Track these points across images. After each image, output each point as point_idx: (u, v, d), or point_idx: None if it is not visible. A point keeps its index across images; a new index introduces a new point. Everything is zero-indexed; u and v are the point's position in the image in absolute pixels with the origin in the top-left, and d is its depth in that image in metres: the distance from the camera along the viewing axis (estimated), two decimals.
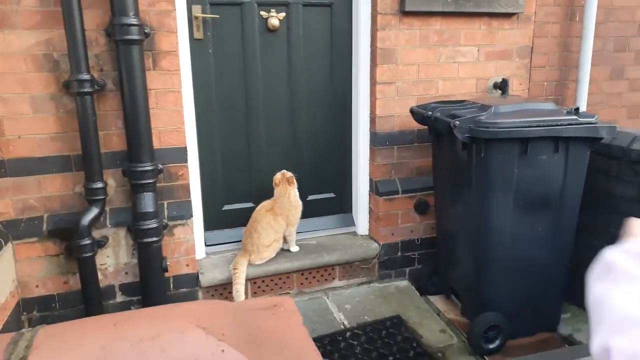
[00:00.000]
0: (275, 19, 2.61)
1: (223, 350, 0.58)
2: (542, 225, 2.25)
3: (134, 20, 2.08)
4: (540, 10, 2.86)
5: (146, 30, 2.15)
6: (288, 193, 2.58)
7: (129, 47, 2.09)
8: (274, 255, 2.60)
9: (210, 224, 2.70)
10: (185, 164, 2.39)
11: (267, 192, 2.66)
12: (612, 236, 2.50)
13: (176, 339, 0.61)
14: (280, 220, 2.56)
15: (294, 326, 0.77)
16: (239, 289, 2.40)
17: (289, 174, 2.61)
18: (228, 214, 2.74)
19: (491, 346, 2.28)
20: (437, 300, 2.69)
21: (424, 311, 2.56)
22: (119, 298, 2.36)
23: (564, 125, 2.12)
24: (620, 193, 2.42)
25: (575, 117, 2.16)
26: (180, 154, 2.37)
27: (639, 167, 2.33)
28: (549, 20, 2.91)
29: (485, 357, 2.26)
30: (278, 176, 2.61)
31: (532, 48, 2.87)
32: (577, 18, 2.96)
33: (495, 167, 2.14)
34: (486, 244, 2.24)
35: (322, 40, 2.73)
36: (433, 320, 2.49)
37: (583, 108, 3.00)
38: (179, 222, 2.39)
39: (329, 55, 2.75)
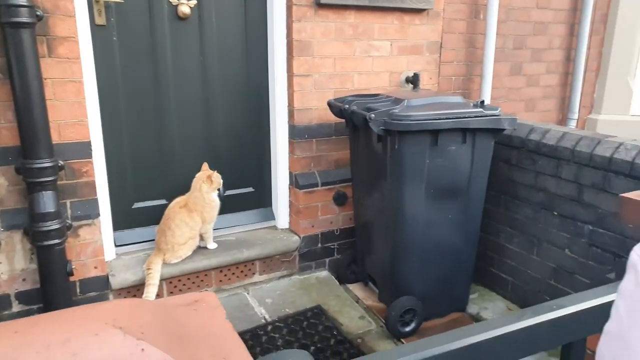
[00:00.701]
0: (185, 6, 2.49)
1: (143, 349, 0.54)
2: (452, 212, 2.38)
3: (23, 1, 1.87)
4: (449, 7, 3.01)
5: (38, 13, 1.96)
6: (200, 187, 2.49)
7: (17, 30, 1.89)
8: (191, 253, 2.51)
9: (121, 223, 2.54)
10: (90, 159, 2.22)
11: (181, 188, 2.56)
12: (514, 221, 2.69)
13: (90, 341, 0.56)
14: (196, 216, 2.47)
15: (217, 321, 0.74)
16: (151, 290, 2.28)
17: (210, 172, 2.51)
18: (139, 212, 2.59)
19: (407, 329, 2.38)
20: (356, 288, 2.75)
21: (344, 300, 2.61)
22: (16, 308, 2.15)
23: (471, 117, 2.24)
24: (520, 180, 2.62)
25: (481, 109, 2.29)
26: (84, 149, 2.20)
27: (535, 155, 2.53)
28: (456, 17, 3.07)
29: (402, 339, 2.35)
30: (200, 172, 2.53)
31: (441, 44, 3.01)
32: (482, 16, 3.15)
33: (408, 158, 2.22)
34: (401, 232, 2.33)
35: (236, 30, 2.65)
36: (352, 308, 2.54)
37: (487, 101, 3.21)
38: (85, 222, 2.22)
39: (244, 46, 2.69)
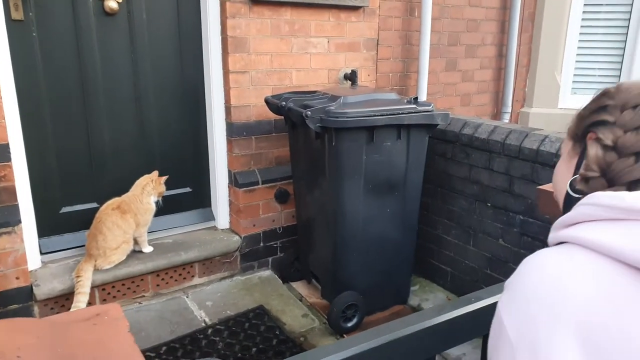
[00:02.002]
0: (113, 1, 2.37)
1: None
2: (390, 207, 2.42)
3: None
4: (384, 4, 3.04)
5: None
6: (145, 185, 2.42)
7: None
8: (124, 258, 2.41)
9: (46, 229, 2.40)
10: (9, 163, 2.08)
11: (113, 190, 2.45)
12: (451, 213, 2.76)
13: None
14: (129, 219, 2.37)
15: (118, 334, 0.69)
16: (81, 299, 2.16)
17: (153, 177, 2.44)
18: (68, 216, 2.46)
19: (349, 324, 2.39)
20: (300, 286, 2.74)
21: (287, 298, 2.59)
22: None
23: (405, 113, 2.28)
24: (455, 173, 2.70)
25: (414, 105, 2.34)
26: (2, 152, 2.05)
27: (469, 149, 2.61)
28: (391, 14, 3.11)
29: (344, 335, 2.37)
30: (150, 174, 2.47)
31: (377, 40, 3.04)
32: (416, 13, 3.21)
33: (345, 155, 2.23)
34: (340, 227, 2.34)
35: (169, 26, 2.56)
36: (296, 306, 2.53)
37: (423, 97, 3.28)
38: (4, 230, 2.08)
39: (177, 42, 2.60)
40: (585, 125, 0.74)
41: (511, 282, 0.66)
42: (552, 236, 0.70)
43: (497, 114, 3.91)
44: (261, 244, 2.81)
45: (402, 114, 2.27)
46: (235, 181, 2.70)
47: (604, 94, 0.74)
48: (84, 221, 2.39)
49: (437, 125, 2.40)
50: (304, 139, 2.44)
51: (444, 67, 3.48)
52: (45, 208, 2.38)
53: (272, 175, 2.77)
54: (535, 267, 0.65)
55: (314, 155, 2.39)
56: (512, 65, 3.79)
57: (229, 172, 2.75)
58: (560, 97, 4.04)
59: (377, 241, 2.42)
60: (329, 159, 2.26)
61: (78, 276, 2.21)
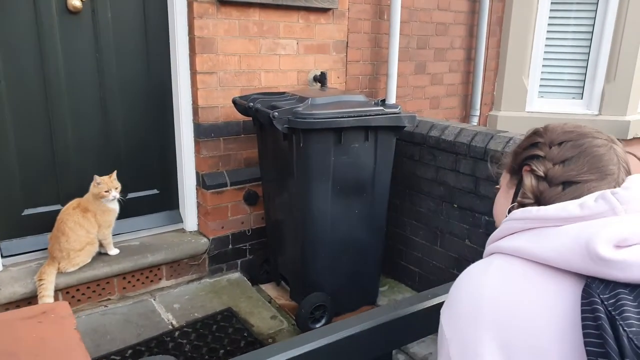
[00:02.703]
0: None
1: None
2: (357, 208, 2.43)
3: None
4: (353, 7, 3.07)
5: None
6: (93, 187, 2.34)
7: None
8: (89, 260, 2.36)
9: (8, 231, 2.34)
10: None
11: (78, 192, 2.40)
12: (419, 214, 2.78)
13: None
14: (91, 217, 2.32)
15: (64, 332, 0.69)
16: (46, 302, 2.12)
17: (105, 178, 2.36)
18: (30, 219, 2.40)
19: (317, 325, 2.40)
20: (269, 288, 2.74)
21: (256, 300, 2.59)
22: None
23: (372, 115, 2.30)
24: (423, 175, 2.74)
25: (382, 107, 2.36)
26: None
27: (436, 151, 2.65)
28: (361, 17, 3.14)
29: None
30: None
31: (347, 43, 3.06)
32: (385, 16, 3.25)
33: (313, 156, 2.24)
34: (308, 229, 2.35)
35: (135, 26, 2.53)
36: (264, 308, 2.53)
37: (393, 100, 3.32)
38: None
39: (144, 42, 2.57)
40: (521, 159, 0.86)
41: (451, 288, 0.77)
42: (486, 250, 0.81)
43: (465, 117, 3.98)
44: (230, 246, 2.80)
45: (370, 115, 2.29)
46: (203, 183, 2.68)
47: (535, 132, 0.87)
48: (47, 223, 2.34)
49: (405, 127, 2.43)
50: (272, 140, 2.45)
51: (413, 70, 3.53)
52: (6, 210, 2.32)
53: (241, 177, 2.76)
54: (464, 275, 0.76)
55: (282, 157, 2.39)
56: (481, 68, 3.86)
57: (197, 173, 2.73)
58: (527, 100, 4.14)
59: (345, 242, 2.44)
60: (297, 161, 2.27)
61: (40, 279, 2.17)
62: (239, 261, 2.85)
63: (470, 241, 2.55)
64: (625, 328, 0.55)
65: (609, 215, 0.68)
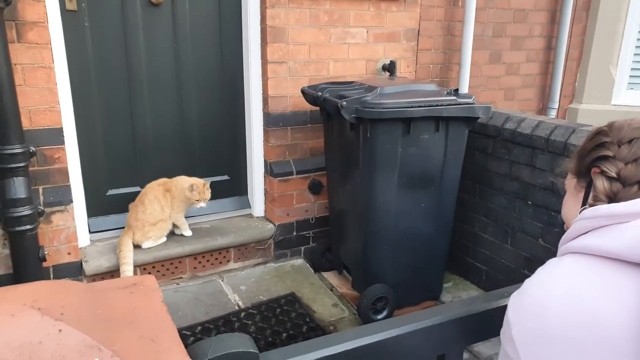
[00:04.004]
0: None
1: (60, 330, 0.54)
2: (424, 201, 2.38)
3: None
4: None
5: None
6: (189, 187, 2.46)
7: None
8: (163, 239, 2.51)
9: (94, 209, 2.53)
10: (62, 146, 2.21)
11: (155, 176, 2.55)
12: (489, 210, 2.67)
13: (5, 322, 0.56)
14: (170, 199, 2.46)
15: (152, 303, 0.74)
16: (126, 269, 2.29)
17: (200, 182, 2.49)
18: (114, 199, 2.58)
19: (379, 317, 2.39)
20: (331, 276, 2.77)
21: (318, 287, 2.63)
22: None
23: (444, 105, 2.23)
24: (495, 169, 2.63)
25: (454, 97, 2.28)
26: (56, 136, 2.19)
27: (510, 145, 2.53)
28: (434, 4, 3.05)
29: None
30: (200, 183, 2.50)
31: (418, 31, 2.99)
32: (460, 3, 3.13)
33: (380, 147, 2.21)
34: (373, 220, 2.33)
35: (210, 17, 2.62)
36: (326, 296, 2.56)
37: (465, 90, 3.20)
38: (57, 208, 2.22)
39: (218, 32, 2.66)
40: (589, 161, 0.83)
41: (524, 284, 0.77)
42: (558, 253, 0.81)
43: (542, 110, 3.76)
44: (294, 233, 2.85)
45: (441, 105, 2.22)
46: (270, 171, 2.75)
47: (599, 132, 0.84)
48: (128, 203, 2.51)
49: (478, 118, 2.34)
50: (339, 130, 2.45)
51: (487, 60, 3.37)
52: (93, 190, 2.52)
53: (306, 166, 2.80)
54: (536, 275, 0.77)
55: (348, 147, 2.39)
56: (562, 58, 3.62)
57: (265, 161, 2.80)
58: (614, 92, 3.83)
59: (410, 236, 2.40)
60: (363, 151, 2.26)
61: (120, 250, 2.33)
62: (302, 248, 2.90)
63: (543, 240, 2.42)
64: None
65: None
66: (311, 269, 2.81)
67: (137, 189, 2.58)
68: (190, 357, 0.62)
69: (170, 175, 2.57)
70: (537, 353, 0.68)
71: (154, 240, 2.48)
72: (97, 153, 2.51)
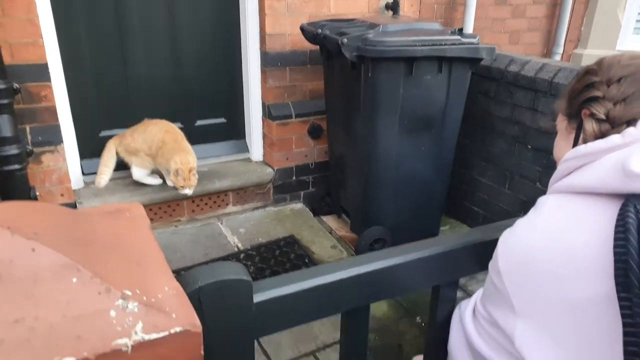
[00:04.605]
0: None
1: (34, 250, 0.51)
2: (425, 144, 2.36)
3: None
4: None
5: None
6: (177, 171, 2.29)
7: None
8: (138, 174, 2.44)
9: (87, 151, 2.48)
10: (49, 83, 2.13)
11: (150, 116, 2.48)
12: (489, 154, 2.64)
13: None
14: (161, 145, 2.38)
15: (138, 229, 0.70)
16: (103, 170, 2.34)
17: (186, 167, 2.31)
18: (106, 140, 2.52)
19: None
20: (330, 220, 2.78)
21: (317, 230, 2.64)
22: None
23: (448, 45, 2.16)
24: (497, 113, 2.58)
25: (459, 37, 2.21)
26: (41, 72, 2.10)
27: (513, 88, 2.48)
28: None
29: None
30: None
31: None
32: None
33: (382, 88, 2.16)
34: (373, 164, 2.31)
35: None
36: (325, 238, 2.57)
37: (469, 31, 3.09)
38: (47, 148, 2.17)
39: None
40: (578, 102, 0.81)
41: (515, 222, 0.81)
42: (547, 192, 0.82)
43: (547, 54, 3.66)
44: (293, 178, 2.83)
45: (445, 45, 2.15)
46: (269, 113, 2.68)
47: (588, 72, 0.81)
48: None
49: (482, 60, 2.28)
50: (340, 70, 2.38)
51: (493, 1, 3.25)
52: (85, 131, 2.45)
53: (306, 109, 2.74)
54: (527, 215, 0.80)
55: (348, 88, 2.33)
56: (569, 0, 3.49)
57: (263, 104, 2.73)
58: (620, 37, 3.73)
59: (409, 179, 2.39)
60: (365, 92, 2.20)
61: (102, 156, 2.38)
62: (301, 193, 2.89)
63: (541, 184, 2.42)
64: None
65: None
66: (310, 212, 2.81)
67: None
68: (181, 285, 0.59)
69: (165, 116, 2.50)
70: (520, 283, 0.73)
71: (133, 169, 2.43)
72: (87, 93, 2.43)
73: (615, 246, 0.60)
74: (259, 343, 1.94)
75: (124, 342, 0.46)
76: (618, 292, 0.58)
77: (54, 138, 2.17)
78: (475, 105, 2.64)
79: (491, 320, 0.80)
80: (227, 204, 2.68)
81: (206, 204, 2.62)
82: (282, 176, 2.79)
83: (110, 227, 0.68)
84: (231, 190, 2.65)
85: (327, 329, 2.01)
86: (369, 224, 2.41)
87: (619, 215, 0.62)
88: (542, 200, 0.78)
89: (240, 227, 2.60)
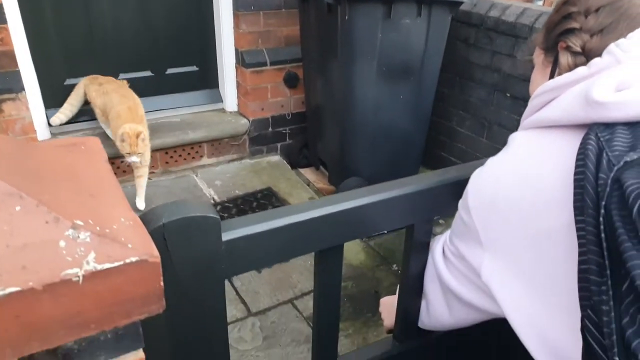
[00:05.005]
0: None
1: None
2: (403, 93, 2.31)
3: None
4: None
5: None
6: (121, 135, 2.03)
7: None
8: (102, 124, 2.33)
9: (53, 101, 2.36)
10: (5, 25, 1.99)
11: (117, 64, 2.38)
12: (467, 103, 2.61)
13: None
14: (110, 105, 2.18)
15: (94, 162, 0.65)
16: (64, 108, 2.28)
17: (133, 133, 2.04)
18: (72, 89, 2.40)
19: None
20: (308, 172, 2.75)
21: (295, 182, 2.61)
22: None
23: None
24: (477, 61, 2.54)
25: None
26: None
27: (493, 34, 2.43)
28: None
29: None
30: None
31: None
32: None
33: (359, 32, 2.09)
34: (350, 113, 2.27)
35: None
36: (303, 190, 2.55)
37: None
38: (7, 96, 2.05)
39: None
40: (555, 34, 0.78)
41: (480, 170, 0.79)
42: (519, 128, 0.80)
43: (529, 1, 3.60)
44: (270, 129, 2.77)
45: None
46: (242, 61, 2.58)
47: (566, 2, 0.78)
48: None
49: (462, 3, 2.22)
50: (315, 14, 2.28)
51: None
52: (49, 79, 2.32)
53: (281, 56, 2.64)
54: (490, 162, 0.78)
55: (324, 34, 2.25)
56: None
57: (236, 50, 2.62)
58: None
59: (387, 129, 2.36)
60: (341, 37, 2.13)
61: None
62: (278, 145, 2.84)
63: None
64: (608, 152, 0.56)
65: (613, 66, 0.65)
66: (288, 165, 2.77)
67: None
68: (144, 223, 0.55)
69: (133, 64, 2.38)
70: (488, 218, 0.72)
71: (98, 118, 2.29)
72: (48, 38, 2.28)
73: (575, 173, 0.59)
74: (236, 292, 1.95)
75: (75, 272, 0.43)
76: (575, 216, 0.57)
77: (14, 85, 2.05)
78: (454, 52, 2.59)
79: (459, 255, 0.80)
80: (201, 156, 2.62)
81: (180, 155, 2.55)
82: (258, 127, 2.72)
83: (63, 159, 0.63)
84: (205, 142, 2.58)
85: (305, 278, 2.02)
86: (346, 175, 2.39)
87: (580, 143, 0.61)
88: (511, 137, 0.77)
89: (215, 180, 2.55)
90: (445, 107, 2.75)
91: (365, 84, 2.20)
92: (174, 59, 2.57)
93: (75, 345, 0.49)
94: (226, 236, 0.72)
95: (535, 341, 0.65)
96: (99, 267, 0.43)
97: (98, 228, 0.48)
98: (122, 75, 2.46)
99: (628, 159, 0.53)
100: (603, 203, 0.52)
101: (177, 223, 0.65)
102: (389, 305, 1.12)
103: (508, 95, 2.42)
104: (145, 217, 0.65)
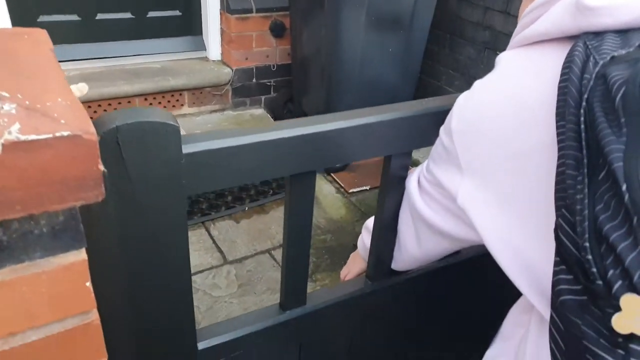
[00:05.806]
0: None
1: None
2: (392, 46, 2.25)
3: None
4: None
5: None
6: None
7: None
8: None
9: None
10: None
11: (95, 2, 2.25)
12: (456, 62, 2.54)
13: None
14: None
15: (39, 52, 0.60)
16: None
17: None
18: (46, 27, 2.25)
19: (338, 165, 2.38)
20: None
21: None
22: None
23: None
24: (468, 17, 2.47)
25: None
26: None
27: None
28: None
29: (332, 174, 2.37)
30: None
31: None
32: None
33: None
34: (337, 65, 2.20)
35: None
36: None
37: None
38: None
39: None
40: None
41: (467, 93, 0.73)
42: (507, 49, 0.76)
43: None
44: (254, 80, 2.69)
45: None
46: (227, 6, 2.47)
47: None
48: (65, 34, 2.24)
49: None
50: None
51: None
52: (20, 15, 2.20)
53: (268, 3, 2.54)
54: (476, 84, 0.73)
55: None
56: None
57: None
58: None
59: (374, 84, 2.30)
60: None
61: None
62: (262, 97, 2.76)
63: None
64: (595, 55, 0.52)
65: None
66: (272, 119, 2.71)
67: (74, 17, 2.29)
68: (95, 126, 0.50)
69: (112, 4, 2.26)
70: (469, 141, 0.69)
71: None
72: None
73: (560, 82, 0.55)
74: (213, 240, 1.92)
75: None
76: (557, 122, 0.54)
77: None
78: (445, 8, 2.52)
79: (435, 182, 0.77)
80: (182, 105, 2.54)
81: (159, 102, 2.47)
82: (242, 77, 2.64)
83: (4, 44, 0.58)
84: (186, 90, 2.50)
85: None
86: None
87: (568, 53, 0.57)
88: (498, 58, 0.72)
89: (197, 129, 2.48)
90: (434, 66, 2.70)
91: (352, 34, 2.13)
92: (156, 1, 2.45)
93: (5, 236, 0.44)
94: (187, 149, 0.67)
95: (511, 260, 0.64)
96: (22, 137, 0.38)
97: (27, 102, 0.43)
98: (99, 16, 2.35)
99: (615, 54, 0.50)
100: (585, 96, 0.49)
101: (132, 127, 0.60)
102: (356, 256, 1.12)
103: (498, 53, 2.37)
104: (97, 120, 0.60)
